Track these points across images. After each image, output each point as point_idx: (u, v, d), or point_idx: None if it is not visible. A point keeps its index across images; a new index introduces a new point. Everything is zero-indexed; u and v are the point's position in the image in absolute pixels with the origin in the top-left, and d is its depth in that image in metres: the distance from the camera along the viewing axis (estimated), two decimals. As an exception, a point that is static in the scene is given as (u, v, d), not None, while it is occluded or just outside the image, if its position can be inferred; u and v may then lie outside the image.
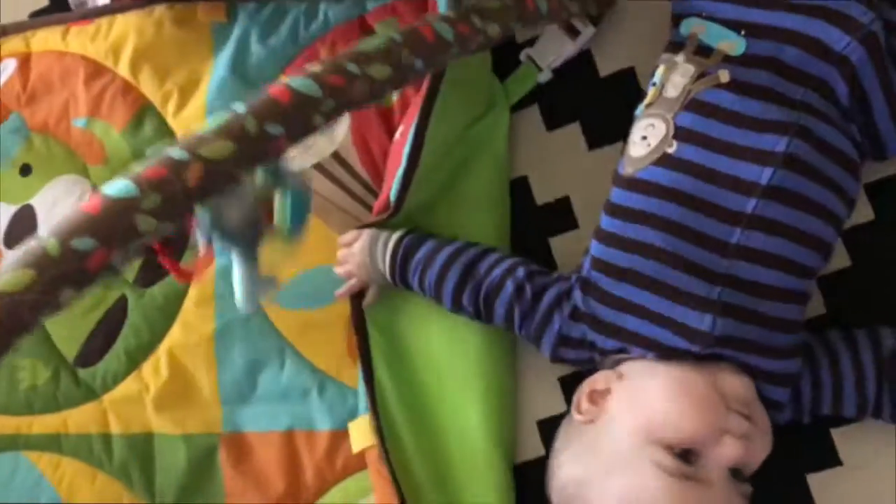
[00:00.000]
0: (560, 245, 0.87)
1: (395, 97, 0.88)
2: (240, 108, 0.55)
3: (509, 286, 0.78)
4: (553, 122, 0.89)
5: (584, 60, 0.88)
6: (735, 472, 0.69)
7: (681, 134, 0.72)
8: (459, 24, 0.64)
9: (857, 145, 0.72)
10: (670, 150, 0.71)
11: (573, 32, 0.84)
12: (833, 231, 0.72)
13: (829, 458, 0.79)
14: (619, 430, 0.70)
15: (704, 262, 0.69)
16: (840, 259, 0.80)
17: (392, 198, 0.82)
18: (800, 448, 0.79)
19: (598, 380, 0.74)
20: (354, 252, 0.84)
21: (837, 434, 0.79)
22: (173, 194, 0.52)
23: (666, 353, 0.71)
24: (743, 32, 0.73)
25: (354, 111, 0.62)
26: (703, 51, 0.74)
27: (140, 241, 0.52)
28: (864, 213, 0.79)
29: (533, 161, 0.90)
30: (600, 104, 0.86)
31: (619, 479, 0.69)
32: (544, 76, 0.86)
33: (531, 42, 0.88)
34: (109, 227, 0.50)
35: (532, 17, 0.71)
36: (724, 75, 0.72)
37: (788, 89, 0.70)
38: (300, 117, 0.56)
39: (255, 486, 0.91)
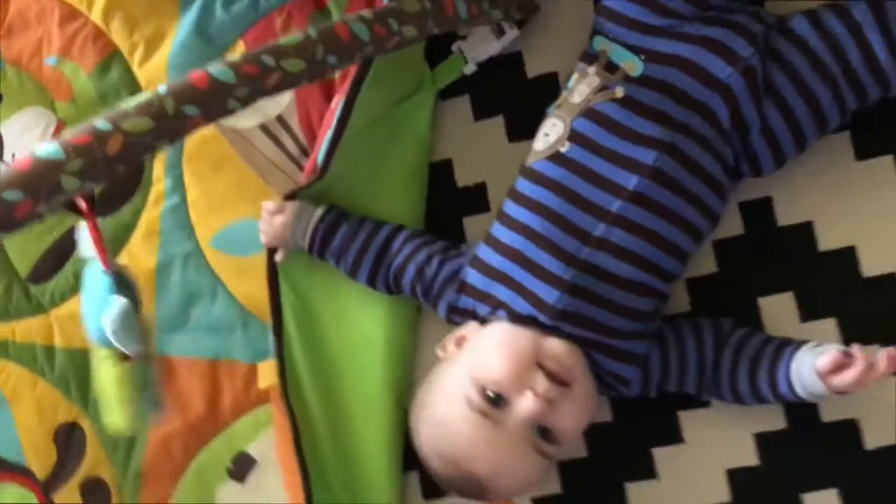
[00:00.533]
0: (471, 224, 0.95)
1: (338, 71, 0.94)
2: (162, 89, 0.62)
3: (411, 270, 0.87)
4: (480, 113, 0.96)
5: (515, 61, 0.94)
6: (543, 431, 0.78)
7: (574, 136, 0.80)
8: (376, 25, 0.70)
9: (727, 168, 0.80)
10: (563, 150, 0.80)
11: (500, 32, 0.90)
12: (691, 241, 0.80)
13: (673, 436, 0.88)
14: (455, 367, 0.82)
15: (567, 247, 0.78)
16: (709, 265, 0.88)
17: (319, 160, 0.89)
18: (648, 424, 0.89)
19: (467, 328, 0.84)
20: (276, 228, 0.90)
21: (684, 415, 0.88)
22: (95, 160, 0.60)
23: (517, 318, 0.80)
24: (642, 57, 0.80)
25: (273, 95, 0.68)
26: (611, 67, 0.82)
27: (63, 197, 0.60)
28: (734, 226, 0.87)
29: (458, 146, 0.97)
30: (524, 102, 0.92)
31: (439, 405, 0.81)
32: (469, 68, 0.93)
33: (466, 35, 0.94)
34: (36, 183, 0.58)
35: (451, 21, 0.77)
36: (619, 91, 0.79)
37: (673, 110, 0.78)
38: (215, 101, 0.63)
39: (179, 406, 1.00)
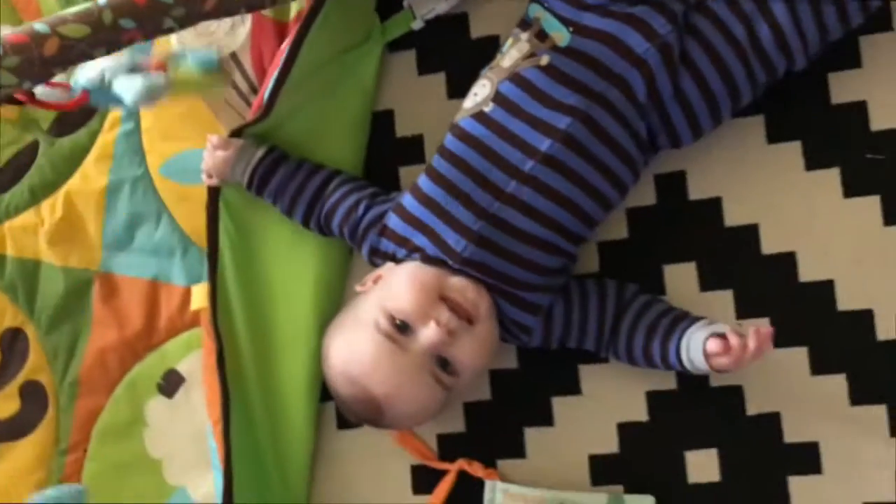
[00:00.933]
0: (406, 174, 0.98)
1: (293, 14, 0.96)
2: (102, 1, 0.66)
3: (340, 212, 0.91)
4: (424, 68, 0.99)
5: (461, 21, 0.97)
6: (443, 363, 0.83)
7: (498, 98, 0.84)
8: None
9: (640, 142, 0.84)
10: (486, 109, 0.84)
11: (450, -7, 0.94)
12: (598, 208, 0.84)
13: (572, 387, 0.93)
14: (368, 299, 0.87)
15: (480, 201, 0.83)
16: (620, 231, 0.92)
17: (265, 99, 0.92)
18: (551, 374, 0.93)
19: (386, 267, 0.89)
20: (217, 162, 0.93)
21: (584, 368, 0.92)
22: (31, 59, 0.64)
23: (428, 259, 0.85)
24: (571, 29, 0.83)
25: (211, 19, 0.71)
26: (541, 35, 0.85)
27: (2, 92, 0.64)
28: (647, 196, 0.91)
29: (401, 98, 1.00)
30: (465, 61, 0.95)
31: (350, 330, 0.87)
32: (417, 24, 0.96)
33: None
34: (-27, 74, 0.62)
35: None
36: (544, 59, 0.83)
37: (593, 81, 0.82)
38: (152, 17, 0.67)
39: (117, 321, 1.05)
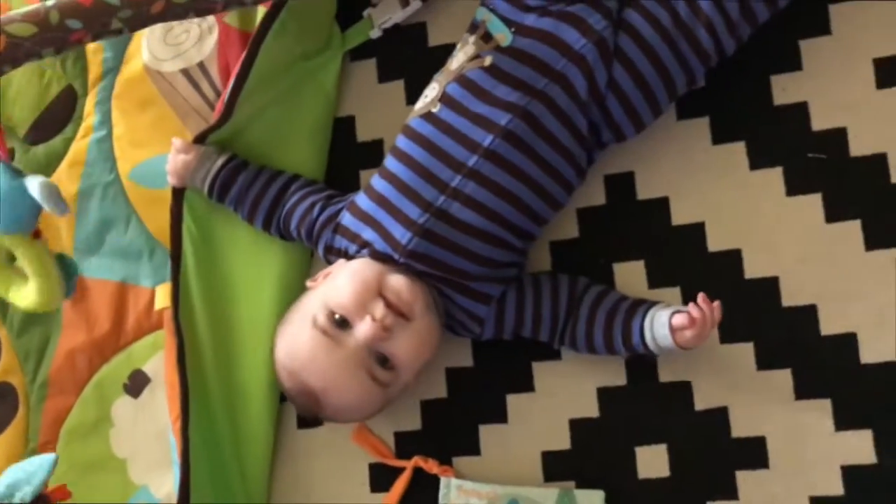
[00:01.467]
0: (367, 177, 0.96)
1: (258, 22, 0.95)
2: (50, 1, 0.67)
3: (297, 215, 0.93)
4: (384, 76, 1.01)
5: (419, 31, 0.99)
6: (381, 359, 0.84)
7: (445, 99, 0.86)
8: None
9: (581, 139, 0.85)
10: (434, 110, 0.86)
11: (405, 3, 0.96)
12: (543, 203, 0.85)
13: (526, 384, 0.92)
14: (314, 294, 0.88)
15: (426, 195, 0.84)
16: (571, 230, 0.93)
17: (224, 103, 0.93)
18: (505, 371, 0.93)
19: (336, 264, 0.90)
20: (179, 166, 0.94)
21: (537, 365, 0.92)
22: (-22, 55, 0.65)
23: (376, 255, 0.86)
24: (513, 29, 0.85)
25: (158, 23, 0.72)
26: (487, 36, 0.87)
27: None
28: (597, 196, 0.92)
29: (362, 104, 1.02)
30: (423, 69, 0.95)
31: (294, 324, 0.88)
32: (375, 33, 0.98)
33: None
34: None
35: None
36: (488, 60, 0.85)
37: (534, 79, 0.83)
38: (98, 18, 0.68)
39: (87, 323, 1.05)
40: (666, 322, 0.81)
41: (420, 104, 0.88)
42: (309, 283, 0.91)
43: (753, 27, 0.82)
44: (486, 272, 0.85)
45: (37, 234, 0.83)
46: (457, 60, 0.87)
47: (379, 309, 0.82)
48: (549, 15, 0.83)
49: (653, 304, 0.85)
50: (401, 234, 0.84)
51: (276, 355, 0.88)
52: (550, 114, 0.82)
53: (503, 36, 0.85)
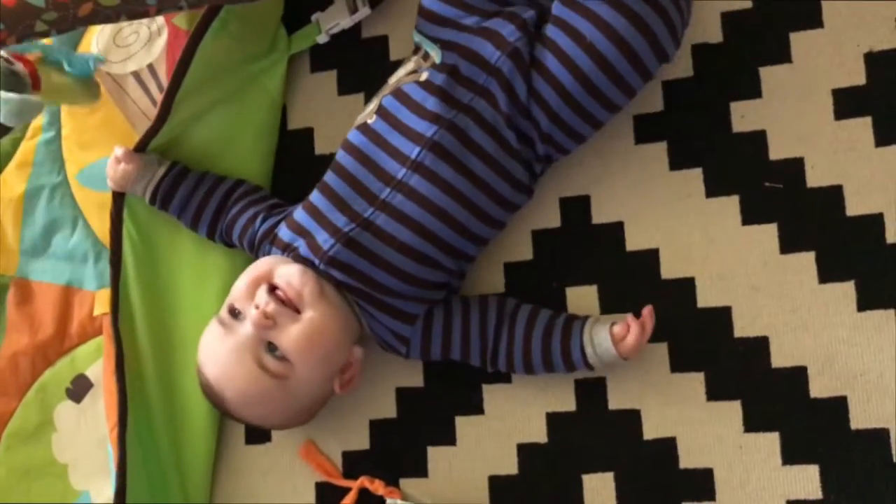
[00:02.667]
0: None
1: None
2: (-28, 1, 0.60)
3: (239, 226, 0.88)
4: (344, 88, 0.95)
5: (381, 43, 0.93)
6: (270, 346, 0.80)
7: (380, 111, 0.82)
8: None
9: (513, 152, 0.79)
10: (370, 121, 0.82)
11: (354, 9, 0.90)
12: (476, 220, 0.80)
13: (475, 407, 0.87)
14: None
15: (355, 206, 0.80)
16: (526, 252, 0.88)
17: (161, 102, 0.86)
18: (455, 393, 0.88)
19: None
20: (119, 176, 0.88)
21: (487, 388, 0.87)
22: None
23: (298, 258, 0.82)
24: (438, 45, 0.81)
25: (87, 25, 0.66)
26: (426, 55, 0.83)
27: None
28: (552, 218, 0.87)
29: (321, 117, 0.96)
30: (383, 82, 0.88)
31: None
32: (322, 38, 0.93)
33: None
34: None
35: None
36: (423, 75, 0.80)
37: (460, 93, 0.79)
38: (22, 20, 0.61)
39: (31, 326, 0.99)
40: (608, 336, 0.78)
41: (360, 117, 0.84)
42: None
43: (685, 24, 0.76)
44: (409, 290, 0.80)
45: (36, 84, 0.76)
46: (396, 75, 0.84)
47: (262, 296, 0.79)
48: (466, 30, 0.79)
49: (584, 318, 0.81)
50: (324, 239, 0.80)
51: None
52: (478, 127, 0.78)
53: (435, 53, 0.81)
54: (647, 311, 0.79)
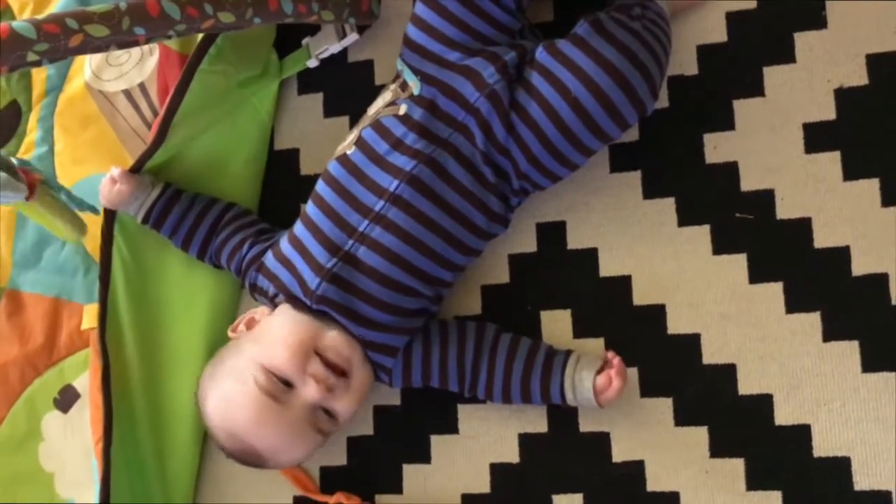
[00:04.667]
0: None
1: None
2: (-35, 31, 0.64)
3: (227, 250, 0.91)
4: (330, 111, 0.98)
5: (367, 67, 0.96)
6: (327, 410, 0.82)
7: (359, 142, 0.84)
8: (189, 7, 0.72)
9: (490, 186, 0.81)
10: (348, 153, 0.84)
11: (342, 34, 0.93)
12: (454, 250, 0.83)
13: (450, 426, 0.90)
14: (244, 350, 0.84)
15: (335, 239, 0.82)
16: (502, 275, 0.90)
17: (159, 125, 0.89)
18: (431, 412, 0.90)
19: (258, 311, 0.87)
20: (113, 195, 0.90)
21: (462, 408, 0.89)
22: None
23: (291, 299, 0.84)
24: (419, 77, 0.83)
25: (79, 55, 0.69)
26: (404, 84, 0.85)
27: None
28: (528, 243, 0.89)
29: (306, 138, 0.99)
30: (368, 106, 0.91)
31: (227, 383, 0.83)
32: (312, 62, 0.95)
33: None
34: None
35: (275, 15, 0.79)
36: (402, 108, 0.83)
37: (438, 128, 0.81)
38: (13, 50, 0.64)
39: (21, 337, 1.01)
40: (591, 386, 0.80)
41: (340, 147, 0.85)
42: (231, 333, 0.87)
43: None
44: (392, 321, 0.82)
45: (31, 193, 0.79)
46: (375, 106, 0.86)
47: (321, 371, 0.80)
48: (448, 66, 0.81)
49: (566, 356, 0.83)
50: (311, 278, 0.82)
51: (209, 415, 0.84)
52: (456, 161, 0.80)
53: (414, 84, 0.82)
54: (618, 362, 0.79)
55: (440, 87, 0.81)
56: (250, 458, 0.85)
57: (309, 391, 0.80)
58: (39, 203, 0.80)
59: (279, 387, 0.80)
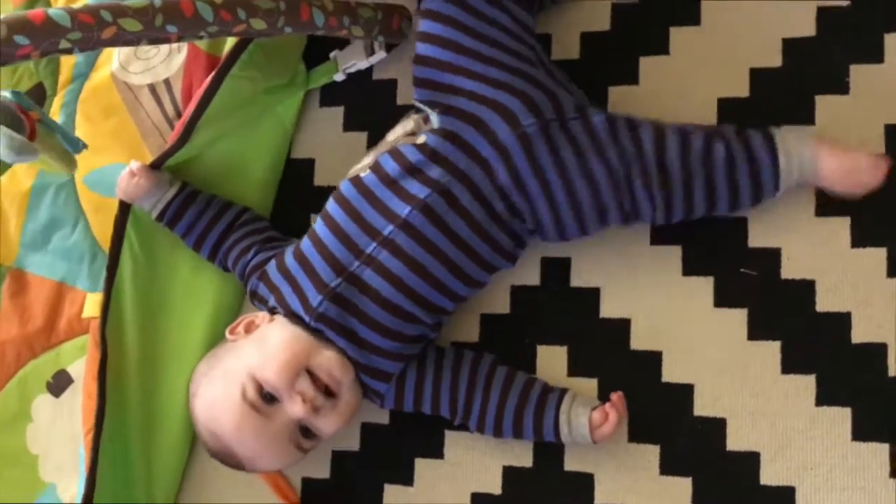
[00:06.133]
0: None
1: (226, 49, 0.93)
2: (2, 15, 0.65)
3: (234, 253, 0.92)
4: (349, 125, 0.99)
5: (390, 87, 0.97)
6: (305, 430, 0.83)
7: (374, 167, 0.84)
8: (222, 10, 0.73)
9: (502, 223, 0.81)
10: (362, 175, 0.84)
11: (371, 51, 0.94)
12: (458, 281, 0.83)
13: (436, 451, 0.90)
14: (238, 354, 0.84)
15: (341, 258, 0.82)
16: (503, 305, 0.91)
17: (183, 128, 0.90)
18: (418, 434, 0.90)
19: (258, 315, 0.87)
20: (131, 189, 0.91)
21: (449, 434, 0.89)
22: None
23: (289, 314, 0.84)
24: (437, 110, 0.82)
25: (110, 47, 0.71)
26: (427, 118, 0.84)
27: None
28: (531, 276, 0.90)
29: (323, 149, 1.00)
30: (386, 125, 0.92)
31: (216, 386, 0.84)
32: (339, 76, 0.96)
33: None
34: None
35: (306, 26, 0.80)
36: (421, 138, 0.82)
37: (457, 158, 0.81)
38: (47, 37, 0.65)
39: (20, 317, 1.02)
40: (587, 422, 0.80)
41: (354, 169, 0.86)
42: (229, 335, 0.87)
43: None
44: (392, 346, 0.83)
45: (32, 135, 0.77)
46: (394, 133, 0.86)
47: (309, 390, 0.80)
48: (475, 98, 0.80)
49: (561, 394, 0.83)
50: (313, 296, 0.82)
51: (196, 411, 0.86)
52: (470, 194, 0.80)
53: (434, 118, 0.82)
54: (619, 397, 0.81)
55: (465, 118, 0.80)
56: (229, 460, 0.86)
57: (294, 408, 0.81)
58: (38, 141, 0.79)
59: (265, 400, 0.81)
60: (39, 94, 1.05)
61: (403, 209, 0.80)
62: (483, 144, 0.80)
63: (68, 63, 1.04)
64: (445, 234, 0.80)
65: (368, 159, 0.85)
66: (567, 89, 0.82)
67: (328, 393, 0.82)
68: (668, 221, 0.80)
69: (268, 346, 0.82)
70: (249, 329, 0.86)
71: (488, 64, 0.79)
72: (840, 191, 0.79)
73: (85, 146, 0.84)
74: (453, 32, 0.80)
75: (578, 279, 0.88)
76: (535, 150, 0.78)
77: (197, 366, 0.89)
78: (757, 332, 0.82)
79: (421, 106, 0.83)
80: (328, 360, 0.81)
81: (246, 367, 0.82)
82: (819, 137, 0.79)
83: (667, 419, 0.84)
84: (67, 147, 0.81)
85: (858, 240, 0.81)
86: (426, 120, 0.84)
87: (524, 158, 0.79)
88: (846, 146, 0.79)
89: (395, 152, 0.82)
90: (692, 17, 0.88)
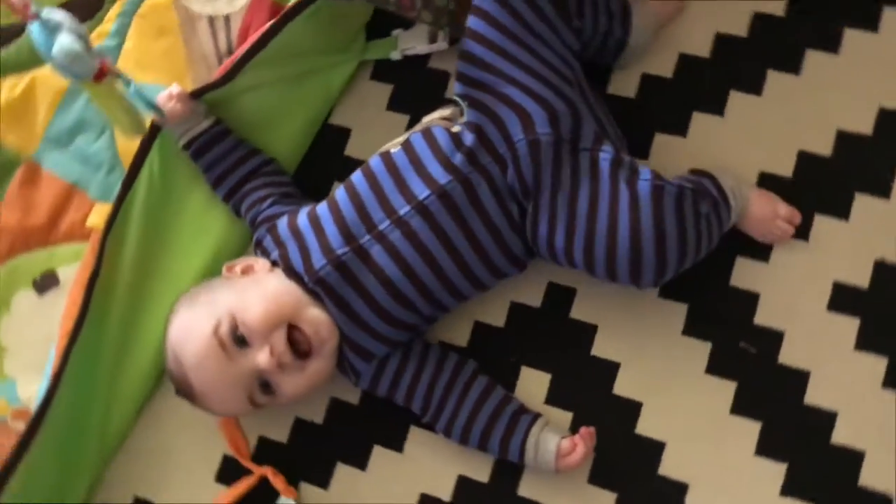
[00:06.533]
0: None
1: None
2: None
3: (249, 200, 0.91)
4: (394, 105, 0.98)
5: (442, 78, 0.96)
6: (265, 384, 0.82)
7: (405, 144, 0.84)
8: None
9: (514, 225, 0.81)
10: (393, 151, 0.84)
11: (433, 39, 0.93)
12: (462, 276, 0.82)
13: (397, 443, 0.89)
14: (229, 291, 0.84)
15: (353, 228, 0.82)
16: (499, 318, 0.90)
17: (231, 66, 0.90)
18: (383, 422, 0.90)
19: (258, 261, 0.87)
20: (167, 112, 0.90)
21: (414, 430, 0.89)
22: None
23: (288, 270, 0.84)
24: (467, 103, 0.82)
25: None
26: (462, 111, 0.84)
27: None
28: (534, 297, 0.89)
29: (362, 122, 0.99)
30: (430, 112, 0.91)
31: (195, 313, 0.84)
32: (395, 55, 0.96)
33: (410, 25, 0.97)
34: None
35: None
36: (456, 128, 0.82)
37: (480, 152, 0.80)
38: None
39: (24, 209, 1.01)
40: (554, 449, 0.80)
41: (386, 145, 0.86)
42: (225, 271, 0.87)
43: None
44: (384, 329, 0.82)
45: (100, 76, 0.77)
46: (430, 116, 0.86)
47: (280, 343, 0.79)
48: (507, 103, 0.79)
49: (534, 417, 0.83)
50: (317, 258, 0.82)
51: (169, 329, 0.85)
52: (488, 190, 0.80)
53: (466, 110, 0.82)
54: (590, 433, 0.81)
55: (488, 115, 0.80)
56: (183, 387, 0.85)
57: (260, 357, 0.80)
58: (107, 91, 0.79)
59: (235, 341, 0.80)
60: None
61: (423, 192, 0.80)
62: (500, 142, 0.80)
63: (135, -27, 1.04)
64: (459, 227, 0.80)
65: (402, 137, 0.85)
66: (595, 116, 0.82)
67: (301, 354, 0.81)
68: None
69: (258, 290, 0.82)
70: (246, 272, 0.86)
71: (524, 70, 0.79)
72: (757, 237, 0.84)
73: (163, 115, 0.83)
74: (500, 37, 0.79)
75: (579, 312, 0.88)
76: (542, 161, 0.78)
77: (189, 288, 0.88)
78: (741, 407, 0.82)
79: (458, 99, 0.83)
80: (318, 318, 0.81)
81: (229, 303, 0.81)
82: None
83: (631, 470, 0.83)
84: (143, 108, 0.81)
85: (863, 343, 0.81)
86: (462, 112, 0.83)
87: (530, 165, 0.78)
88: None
89: (427, 133, 0.82)
90: (755, 86, 0.88)
